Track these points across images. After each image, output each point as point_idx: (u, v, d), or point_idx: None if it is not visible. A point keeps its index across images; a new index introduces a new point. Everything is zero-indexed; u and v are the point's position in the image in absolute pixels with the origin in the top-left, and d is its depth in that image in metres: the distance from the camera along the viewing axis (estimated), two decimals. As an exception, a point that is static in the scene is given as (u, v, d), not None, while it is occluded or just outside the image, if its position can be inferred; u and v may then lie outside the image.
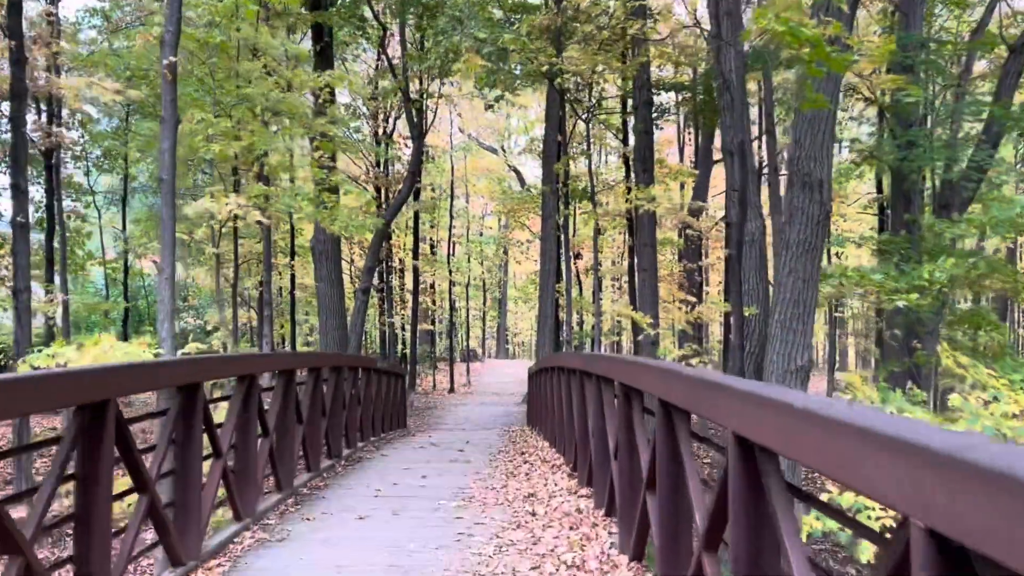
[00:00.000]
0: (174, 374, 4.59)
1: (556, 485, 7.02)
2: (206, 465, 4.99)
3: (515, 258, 31.90)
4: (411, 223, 22.96)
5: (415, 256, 20.79)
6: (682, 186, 22.40)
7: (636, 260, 13.00)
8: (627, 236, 23.37)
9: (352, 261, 25.51)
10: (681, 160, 26.36)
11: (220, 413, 5.80)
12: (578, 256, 27.43)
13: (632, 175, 17.71)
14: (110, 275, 18.41)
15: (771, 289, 10.19)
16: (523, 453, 9.62)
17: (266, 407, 6.31)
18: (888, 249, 10.35)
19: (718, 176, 26.86)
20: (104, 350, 5.88)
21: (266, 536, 5.31)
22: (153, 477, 4.08)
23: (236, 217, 9.41)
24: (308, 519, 5.84)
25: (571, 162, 16.08)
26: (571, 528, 5.41)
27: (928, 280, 8.11)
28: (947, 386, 13.66)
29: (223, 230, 12.39)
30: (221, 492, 5.27)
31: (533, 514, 5.92)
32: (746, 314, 9.77)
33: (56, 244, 17.74)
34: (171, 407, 4.54)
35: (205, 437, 4.85)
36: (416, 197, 21.37)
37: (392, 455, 9.65)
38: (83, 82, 11.66)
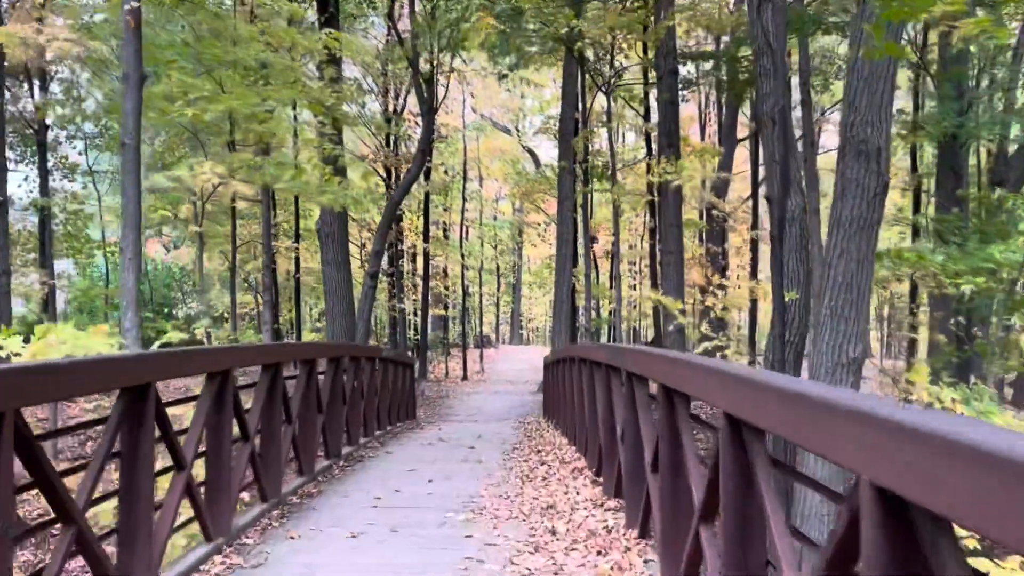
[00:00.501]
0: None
1: (578, 494, 6.18)
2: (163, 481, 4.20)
3: (530, 242, 30.95)
4: (422, 205, 22.08)
5: (426, 239, 19.93)
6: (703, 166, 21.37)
7: (660, 242, 12.07)
8: (647, 218, 22.43)
9: (363, 245, 24.73)
10: (703, 140, 25.30)
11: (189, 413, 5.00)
12: (594, 240, 26.49)
13: (655, 151, 16.77)
14: (110, 259, 17.70)
15: (814, 272, 9.29)
16: (539, 451, 8.80)
17: (246, 406, 5.50)
18: (942, 229, 9.37)
19: (740, 156, 25.80)
20: (50, 343, 5.07)
21: (239, 561, 4.50)
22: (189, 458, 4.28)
23: (218, 189, 8.59)
24: (292, 537, 5.04)
25: (590, 138, 15.12)
26: (599, 553, 4.57)
27: (998, 262, 7.17)
28: (997, 375, 12.69)
29: (206, 206, 11.55)
30: (187, 511, 4.49)
31: (553, 532, 5.08)
32: (787, 300, 8.86)
33: (56, 227, 17.09)
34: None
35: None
36: (427, 177, 20.50)
37: (397, 452, 8.85)
38: (29, 29, 10.34)
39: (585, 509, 5.68)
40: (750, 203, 20.21)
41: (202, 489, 4.69)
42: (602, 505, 5.74)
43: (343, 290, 17.71)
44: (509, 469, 7.48)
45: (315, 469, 6.96)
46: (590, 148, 15.49)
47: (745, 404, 2.65)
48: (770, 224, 8.61)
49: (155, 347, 9.50)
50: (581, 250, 19.96)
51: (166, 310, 20.20)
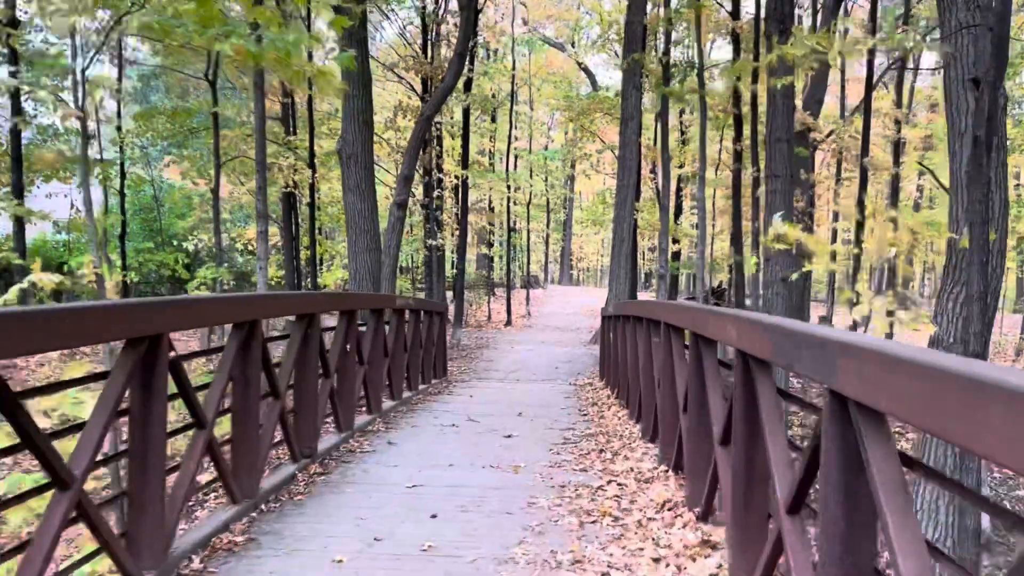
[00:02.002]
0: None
1: (686, 559, 3.60)
2: None
3: (584, 173, 27.81)
4: (462, 129, 19.20)
5: (464, 164, 17.16)
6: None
7: (753, 165, 9.13)
8: (723, 143, 19.21)
9: (398, 168, 22.09)
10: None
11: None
12: (652, 170, 23.36)
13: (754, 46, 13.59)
14: (106, 182, 15.50)
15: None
16: (602, 450, 6.22)
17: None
18: None
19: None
20: None
21: None
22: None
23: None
24: None
25: (673, 20, 11.93)
26: None
27: None
28: None
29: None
30: None
31: None
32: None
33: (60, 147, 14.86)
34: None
35: None
36: (467, 89, 17.63)
37: (402, 446, 6.37)
38: None
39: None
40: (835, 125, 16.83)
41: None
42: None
43: (367, 222, 15.22)
44: (562, 494, 4.91)
45: (257, 490, 4.51)
46: (671, 44, 12.34)
47: None
48: (960, 119, 5.67)
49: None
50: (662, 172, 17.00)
51: (175, 242, 18.12)
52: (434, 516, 4.36)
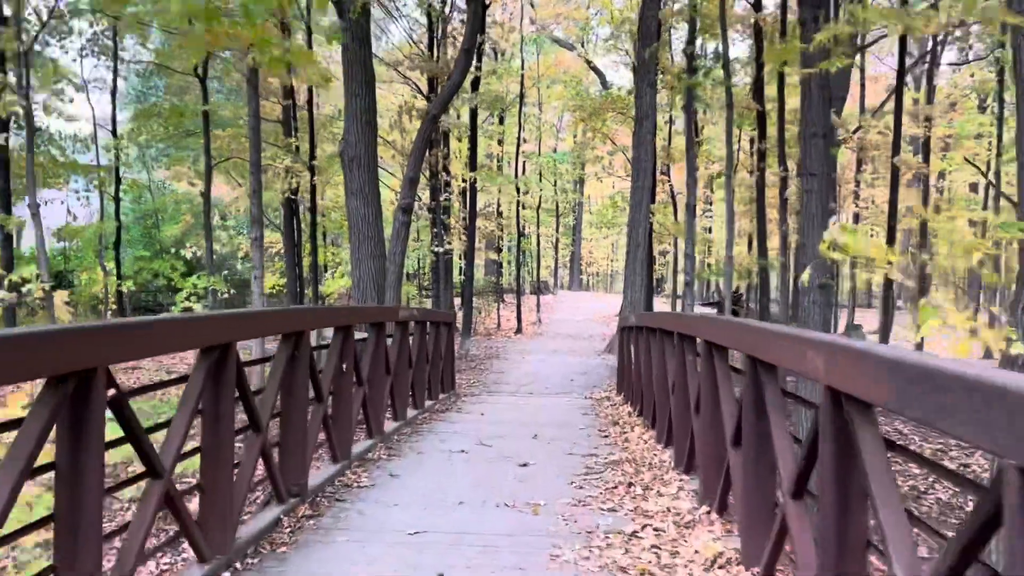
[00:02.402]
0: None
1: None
2: None
3: (596, 175, 27.04)
4: (469, 131, 18.53)
5: (472, 166, 16.47)
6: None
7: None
8: (747, 144, 18.46)
9: (403, 171, 21.46)
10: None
11: None
12: (664, 172, 22.62)
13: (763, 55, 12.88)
14: (101, 185, 14.87)
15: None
16: (631, 483, 5.50)
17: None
18: None
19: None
20: None
21: None
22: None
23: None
24: None
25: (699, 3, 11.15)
26: None
27: None
28: None
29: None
30: None
31: None
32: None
33: (57, 150, 14.22)
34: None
35: None
36: (474, 88, 16.96)
37: (403, 479, 5.67)
38: None
39: None
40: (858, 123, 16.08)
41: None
42: None
43: (371, 227, 14.57)
44: (587, 543, 4.20)
45: (232, 542, 3.81)
46: (695, 34, 11.59)
47: None
48: None
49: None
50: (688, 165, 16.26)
51: (173, 249, 17.49)
52: (439, 577, 3.66)
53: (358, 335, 6.48)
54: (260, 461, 4.29)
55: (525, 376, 13.81)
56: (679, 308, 21.65)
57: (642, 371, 8.51)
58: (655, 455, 6.40)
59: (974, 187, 26.47)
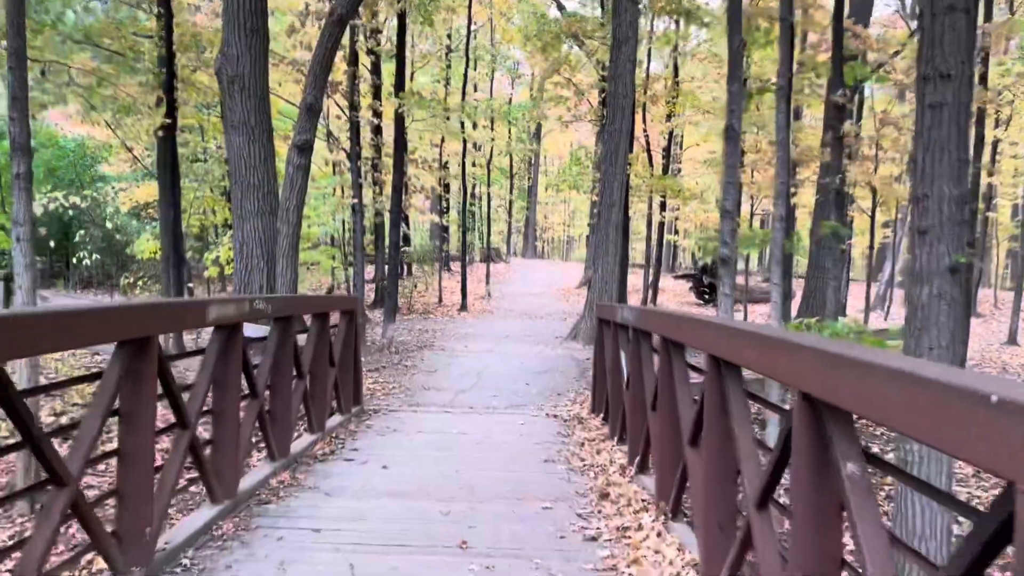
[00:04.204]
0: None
1: None
2: None
3: (560, 120, 23.06)
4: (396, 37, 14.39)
5: (398, 90, 12.55)
6: None
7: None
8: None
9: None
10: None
11: None
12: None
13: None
14: None
15: None
16: None
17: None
18: None
19: None
20: None
21: None
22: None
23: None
24: None
25: None
26: None
27: None
28: None
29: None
30: None
31: None
32: None
33: None
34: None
35: None
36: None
37: None
38: None
39: None
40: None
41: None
42: None
43: (260, 173, 10.83)
44: None
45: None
46: None
47: None
48: None
49: None
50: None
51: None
52: None
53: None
54: None
55: (466, 376, 10.31)
56: (678, 291, 18.17)
57: (635, 391, 5.12)
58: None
59: None
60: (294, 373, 5.88)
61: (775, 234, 6.20)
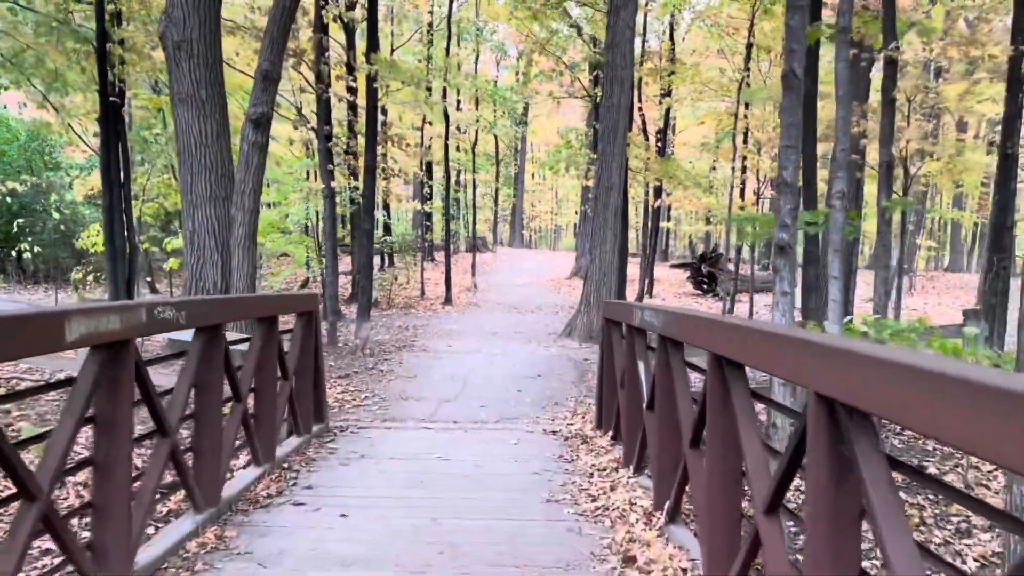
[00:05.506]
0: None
1: None
2: None
3: (552, 97, 21.69)
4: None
5: (369, 56, 11.21)
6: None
7: None
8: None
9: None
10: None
11: None
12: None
13: None
14: None
15: None
16: None
17: None
18: None
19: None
20: None
21: None
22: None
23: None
24: None
25: None
26: None
27: None
28: None
29: None
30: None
31: None
32: None
33: None
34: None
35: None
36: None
37: None
38: None
39: None
40: None
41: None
42: None
43: (212, 152, 9.51)
44: None
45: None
46: None
47: None
48: None
49: None
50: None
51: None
52: None
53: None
54: None
55: (450, 382, 9.08)
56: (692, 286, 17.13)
57: (662, 413, 3.92)
58: None
59: None
60: (228, 395, 4.65)
61: (834, 215, 5.00)
